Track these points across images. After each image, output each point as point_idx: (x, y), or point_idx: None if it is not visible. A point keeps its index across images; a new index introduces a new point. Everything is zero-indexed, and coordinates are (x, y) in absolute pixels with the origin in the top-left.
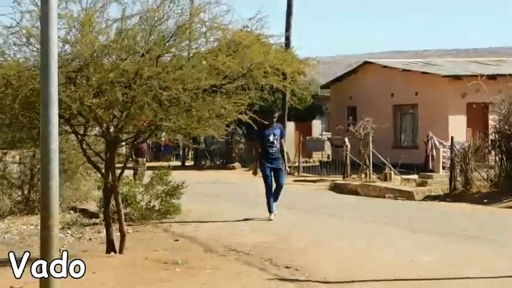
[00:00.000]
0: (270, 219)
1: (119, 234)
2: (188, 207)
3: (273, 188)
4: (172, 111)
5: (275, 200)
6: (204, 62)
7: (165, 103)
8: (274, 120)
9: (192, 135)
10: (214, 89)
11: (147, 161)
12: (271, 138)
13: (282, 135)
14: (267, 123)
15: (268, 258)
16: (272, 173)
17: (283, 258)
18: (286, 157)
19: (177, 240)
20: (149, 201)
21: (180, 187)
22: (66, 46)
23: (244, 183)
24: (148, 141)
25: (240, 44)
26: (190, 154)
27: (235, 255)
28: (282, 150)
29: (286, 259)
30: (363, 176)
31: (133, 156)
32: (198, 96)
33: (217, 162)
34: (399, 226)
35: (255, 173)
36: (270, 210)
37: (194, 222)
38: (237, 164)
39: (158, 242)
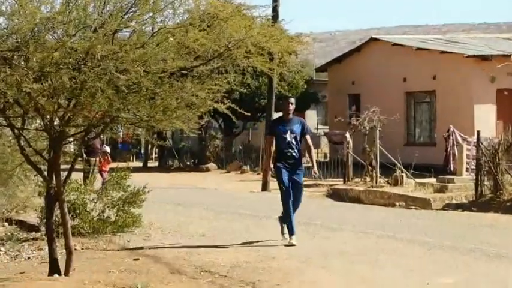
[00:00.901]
0: (292, 244)
1: (64, 251)
2: (151, 218)
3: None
4: (132, 100)
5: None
6: (171, 39)
7: (123, 89)
8: (291, 109)
9: (156, 129)
10: (184, 72)
11: (106, 161)
12: (287, 136)
13: (305, 132)
14: (279, 115)
15: (250, 281)
16: (290, 180)
17: (268, 282)
18: (313, 157)
19: (137, 259)
20: (102, 211)
21: (141, 193)
22: (0, 19)
23: (221, 188)
24: (102, 136)
25: (216, 17)
26: (154, 153)
27: (209, 278)
28: (309, 150)
29: (273, 283)
30: (367, 179)
31: (84, 155)
32: (164, 81)
33: (188, 163)
34: (412, 241)
35: (266, 174)
36: (291, 231)
37: (158, 236)
38: (211, 165)
39: (113, 262)
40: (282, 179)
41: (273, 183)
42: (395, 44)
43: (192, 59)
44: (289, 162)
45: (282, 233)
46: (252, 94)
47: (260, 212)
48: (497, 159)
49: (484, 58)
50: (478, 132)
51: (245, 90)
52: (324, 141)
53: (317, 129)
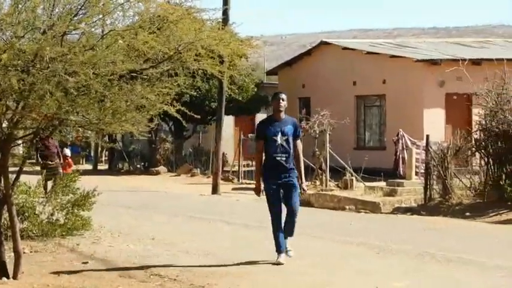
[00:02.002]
0: (279, 263)
1: (12, 254)
2: (101, 221)
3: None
4: (81, 102)
5: (288, 234)
6: (120, 42)
7: (72, 92)
8: (283, 107)
9: (105, 132)
10: (134, 74)
11: (67, 164)
12: (278, 138)
13: (297, 135)
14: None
15: (199, 285)
16: (282, 191)
17: (218, 285)
18: (302, 169)
19: (86, 262)
20: (52, 214)
21: (91, 196)
22: None
23: (171, 191)
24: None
25: (165, 20)
26: (104, 156)
27: (159, 282)
28: (297, 159)
29: (222, 286)
30: (317, 183)
31: (40, 159)
32: (113, 84)
33: (138, 166)
34: (362, 245)
35: (258, 193)
36: (279, 249)
37: (108, 239)
38: (162, 168)
39: (62, 265)
40: (270, 193)
41: (223, 186)
42: (345, 48)
43: (142, 62)
44: (279, 169)
45: (278, 251)
46: (203, 97)
47: (210, 215)
48: (446, 163)
49: (434, 62)
50: (427, 136)
51: (195, 93)
52: None
53: None
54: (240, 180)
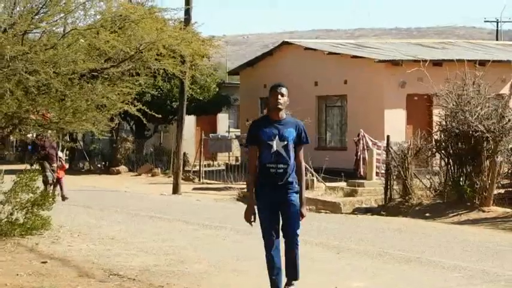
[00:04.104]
0: None
1: None
2: (61, 220)
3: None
4: (42, 101)
5: (291, 275)
6: (81, 41)
7: (33, 91)
8: (281, 103)
9: (66, 131)
10: (95, 74)
11: (60, 167)
12: (274, 144)
13: (301, 141)
14: (262, 113)
15: (159, 285)
16: (279, 212)
17: (177, 285)
18: (303, 187)
19: (45, 262)
20: (11, 213)
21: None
22: None
23: (132, 191)
24: (52, 140)
25: (127, 19)
26: (65, 155)
27: (118, 281)
28: (298, 172)
29: (182, 286)
30: None
31: (38, 159)
32: (74, 83)
33: (99, 165)
34: (322, 245)
35: (249, 219)
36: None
37: (67, 239)
38: (122, 168)
39: (21, 265)
40: (264, 215)
41: (184, 186)
42: (307, 48)
43: (103, 61)
44: (275, 182)
45: None
46: (164, 97)
47: (171, 215)
48: (406, 164)
49: (395, 63)
50: (388, 136)
51: (156, 93)
52: (236, 144)
53: (228, 132)
54: (201, 180)
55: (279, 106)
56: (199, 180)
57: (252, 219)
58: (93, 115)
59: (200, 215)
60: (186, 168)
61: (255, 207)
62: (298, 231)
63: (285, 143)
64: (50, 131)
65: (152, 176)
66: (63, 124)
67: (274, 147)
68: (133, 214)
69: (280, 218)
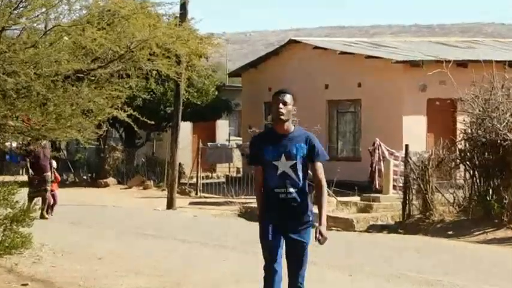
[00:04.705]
0: None
1: None
2: (43, 238)
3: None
4: (21, 106)
5: None
6: (66, 38)
7: (11, 94)
8: (284, 112)
9: (48, 139)
10: (80, 75)
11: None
12: (280, 164)
13: (314, 157)
14: (266, 120)
15: None
16: (283, 245)
17: None
18: (324, 205)
19: (26, 284)
20: None
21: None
22: None
23: (122, 206)
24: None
25: (116, 15)
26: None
27: None
28: (317, 190)
29: None
30: None
31: (30, 170)
32: (57, 86)
33: (84, 177)
34: (332, 266)
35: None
36: None
37: (50, 259)
38: (111, 180)
39: None
40: (266, 238)
41: (179, 201)
42: (316, 47)
43: (90, 61)
44: (282, 213)
45: None
46: (157, 101)
47: (164, 232)
48: (427, 176)
49: (414, 64)
50: (407, 146)
51: (149, 97)
52: (237, 154)
53: (229, 140)
54: (199, 194)
55: (281, 117)
56: (197, 193)
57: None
58: (78, 121)
59: (197, 233)
60: (182, 181)
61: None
62: (304, 263)
63: (293, 162)
64: (30, 139)
65: (144, 189)
66: (45, 131)
67: (281, 168)
68: (123, 231)
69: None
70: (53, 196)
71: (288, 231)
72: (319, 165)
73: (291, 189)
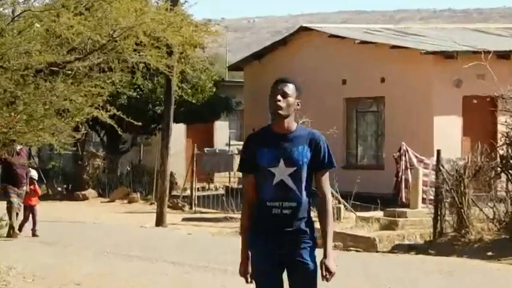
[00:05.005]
0: None
1: None
2: (10, 260)
3: None
4: None
5: None
6: (37, 26)
7: None
8: (283, 108)
9: (17, 143)
10: (55, 69)
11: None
12: (277, 170)
13: (322, 163)
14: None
15: None
16: (282, 273)
17: None
18: (329, 229)
19: None
20: None
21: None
22: None
23: (103, 222)
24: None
25: None
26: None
27: None
28: (321, 209)
29: None
30: None
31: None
32: (28, 81)
33: (59, 189)
34: None
35: (245, 277)
36: None
37: (19, 284)
38: (90, 192)
39: None
40: (258, 272)
41: (171, 216)
42: (332, 36)
43: (65, 52)
44: (279, 233)
45: None
46: (145, 99)
47: (154, 254)
48: (462, 188)
49: (448, 55)
50: (439, 151)
51: (135, 94)
52: (238, 161)
53: (229, 145)
54: (193, 208)
55: (280, 112)
56: (191, 208)
57: (249, 280)
58: (52, 123)
59: (192, 254)
60: (174, 193)
61: (249, 261)
62: None
63: (294, 168)
64: (19, 145)
65: (129, 202)
66: (14, 134)
67: (278, 176)
68: (104, 252)
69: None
70: (32, 211)
71: (286, 256)
72: (325, 176)
73: (287, 204)
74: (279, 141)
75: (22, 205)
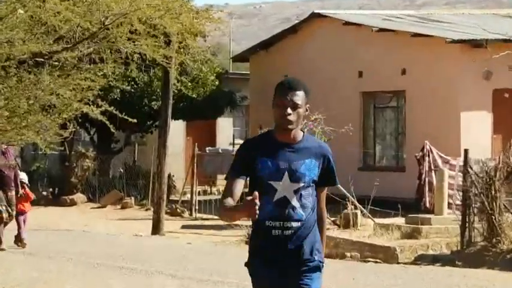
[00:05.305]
0: None
1: None
2: None
3: None
4: None
5: None
6: (20, 12)
7: None
8: (292, 117)
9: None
10: (40, 60)
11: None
12: (280, 185)
13: (327, 181)
14: (263, 131)
15: None
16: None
17: None
18: (324, 242)
19: None
20: None
21: None
22: None
23: (93, 230)
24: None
25: None
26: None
27: None
28: (320, 226)
29: None
30: None
31: None
32: (10, 73)
33: (44, 193)
34: None
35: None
36: None
37: None
38: (79, 196)
39: None
40: None
41: (169, 223)
42: (347, 23)
43: (52, 41)
44: (279, 257)
45: None
46: (140, 93)
47: (149, 265)
48: (493, 192)
49: (476, 44)
50: (466, 151)
51: (129, 88)
52: None
53: (233, 145)
54: (194, 215)
55: (290, 127)
56: (191, 214)
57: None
58: (37, 119)
59: (192, 266)
60: (172, 197)
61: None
62: None
63: (300, 185)
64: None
65: (122, 208)
66: None
67: (281, 192)
68: (94, 264)
69: None
70: (21, 217)
71: (290, 283)
72: (324, 192)
73: (290, 224)
74: (283, 151)
75: (14, 211)
